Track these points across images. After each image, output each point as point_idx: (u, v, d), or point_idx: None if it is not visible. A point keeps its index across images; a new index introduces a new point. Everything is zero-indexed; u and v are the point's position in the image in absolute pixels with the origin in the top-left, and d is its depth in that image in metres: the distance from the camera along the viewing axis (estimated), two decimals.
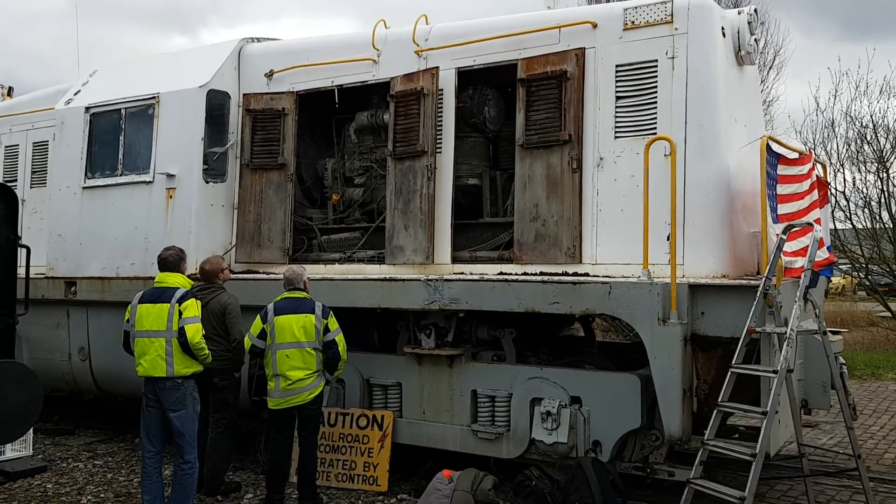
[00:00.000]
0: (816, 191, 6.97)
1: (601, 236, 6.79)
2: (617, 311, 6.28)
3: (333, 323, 6.79)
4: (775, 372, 5.34)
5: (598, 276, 6.60)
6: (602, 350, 8.54)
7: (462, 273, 7.34)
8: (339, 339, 6.79)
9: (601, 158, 6.85)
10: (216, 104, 8.76)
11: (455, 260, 7.49)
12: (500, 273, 7.18)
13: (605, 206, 6.80)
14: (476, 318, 7.39)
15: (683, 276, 6.31)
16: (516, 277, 6.79)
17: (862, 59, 29.88)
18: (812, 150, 7.37)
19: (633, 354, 8.00)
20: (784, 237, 5.85)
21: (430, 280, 7.10)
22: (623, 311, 6.25)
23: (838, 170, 19.86)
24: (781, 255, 5.82)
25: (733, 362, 5.67)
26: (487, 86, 7.90)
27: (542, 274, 6.92)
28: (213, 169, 8.73)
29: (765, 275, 5.73)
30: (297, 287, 6.91)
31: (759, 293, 5.70)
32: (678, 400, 6.01)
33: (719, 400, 5.64)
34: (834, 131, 20.98)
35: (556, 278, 6.57)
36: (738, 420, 7.94)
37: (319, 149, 9.31)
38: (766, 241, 5.89)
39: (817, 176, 7.07)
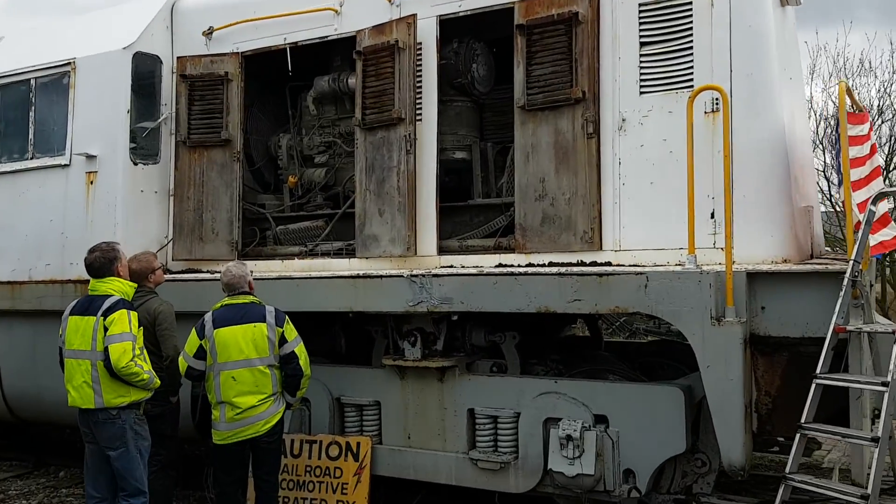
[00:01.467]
0: (877, 155, 5.78)
1: (625, 216, 5.50)
2: (656, 309, 4.99)
3: (291, 331, 5.39)
4: (885, 384, 4.08)
5: (625, 266, 5.33)
6: (610, 351, 7.29)
7: (452, 266, 5.99)
8: (300, 350, 5.40)
9: (623, 120, 5.55)
10: (145, 70, 7.30)
11: (442, 250, 6.15)
12: (500, 265, 5.86)
13: (629, 178, 5.50)
14: (471, 320, 6.06)
15: (734, 262, 5.07)
16: (524, 270, 5.45)
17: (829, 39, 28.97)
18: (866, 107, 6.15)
19: (653, 357, 6.80)
20: (874, 208, 4.60)
21: (416, 276, 5.73)
22: (664, 309, 4.96)
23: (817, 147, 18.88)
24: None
25: (818, 370, 4.41)
26: (475, 39, 6.55)
27: (551, 265, 5.62)
28: (143, 148, 7.28)
29: (852, 258, 4.49)
30: (240, 290, 5.49)
31: (845, 281, 4.45)
32: (740, 420, 4.74)
33: (802, 420, 4.38)
34: (813, 110, 19.94)
35: (576, 270, 5.25)
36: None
37: (271, 123, 7.89)
38: (851, 215, 4.64)
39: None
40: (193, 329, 5.34)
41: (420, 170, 6.17)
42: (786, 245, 5.14)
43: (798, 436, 4.37)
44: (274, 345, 5.30)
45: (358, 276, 5.98)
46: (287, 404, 5.51)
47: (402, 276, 5.78)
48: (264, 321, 5.31)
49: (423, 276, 5.69)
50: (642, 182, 5.46)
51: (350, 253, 6.50)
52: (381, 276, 5.87)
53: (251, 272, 5.69)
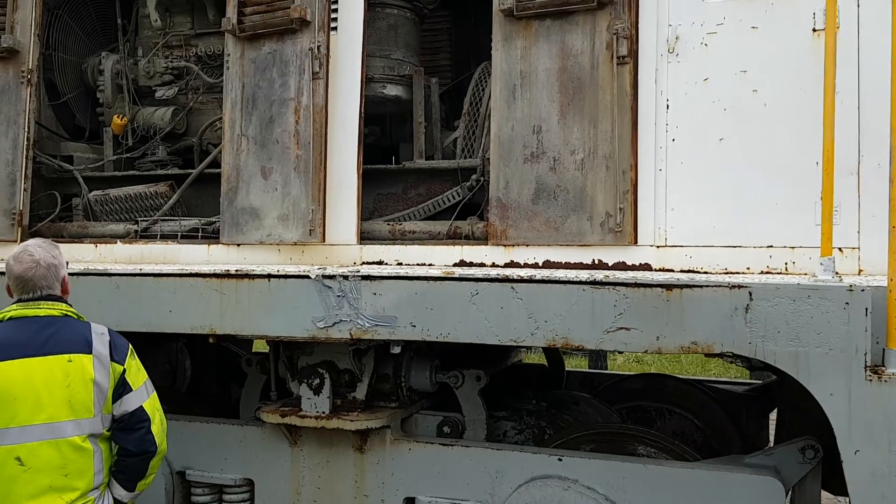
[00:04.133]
0: None
1: (676, 192, 3.41)
2: (763, 349, 2.90)
3: (138, 372, 2.88)
4: None
5: (675, 272, 3.27)
6: (571, 384, 5.28)
7: (382, 263, 3.71)
8: (152, 406, 2.88)
9: (676, 38, 3.46)
10: None
11: (365, 237, 3.85)
12: (461, 262, 3.64)
13: (684, 131, 3.42)
14: (410, 350, 3.81)
15: (860, 272, 3.14)
16: (519, 275, 3.23)
17: None
18: None
19: (645, 401, 4.83)
20: None
21: (331, 277, 3.39)
22: (779, 349, 2.88)
23: None
24: None
25: None
26: None
27: (548, 265, 3.47)
28: None
29: None
30: (46, 293, 2.90)
31: None
32: None
33: None
34: None
35: (622, 277, 3.08)
36: None
37: (90, 37, 5.28)
38: None
39: None
40: None
41: (334, 106, 3.84)
42: None
43: None
44: (105, 396, 2.78)
45: (227, 275, 3.55)
46: (116, 502, 2.98)
47: (306, 276, 3.41)
48: (89, 351, 2.78)
49: (345, 277, 3.35)
50: (706, 137, 3.39)
51: (211, 236, 4.08)
52: (269, 276, 3.47)
53: (66, 263, 3.09)
